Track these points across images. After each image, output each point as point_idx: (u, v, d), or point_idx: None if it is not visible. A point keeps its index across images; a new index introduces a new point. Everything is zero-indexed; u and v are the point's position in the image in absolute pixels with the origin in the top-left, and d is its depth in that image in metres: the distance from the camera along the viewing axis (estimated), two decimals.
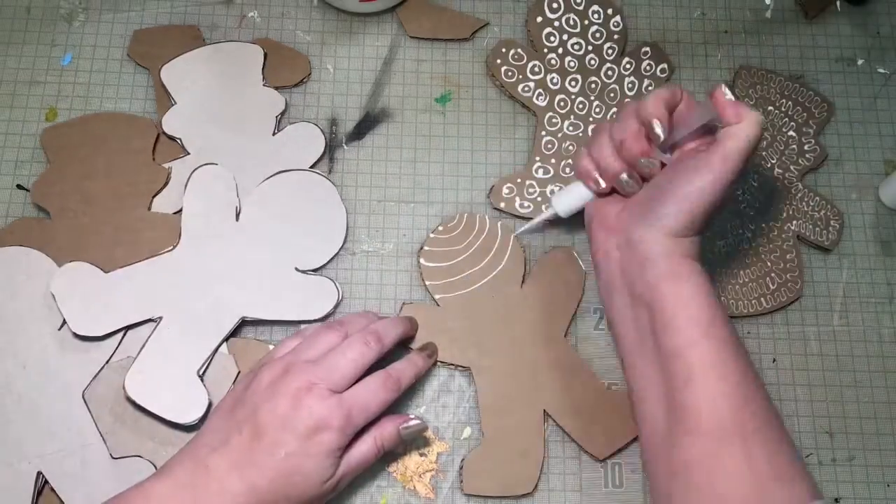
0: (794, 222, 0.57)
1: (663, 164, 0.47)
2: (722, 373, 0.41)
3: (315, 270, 0.55)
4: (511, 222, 0.57)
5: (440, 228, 0.56)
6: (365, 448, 0.47)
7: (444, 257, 0.55)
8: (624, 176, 0.47)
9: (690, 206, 0.44)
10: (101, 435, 0.50)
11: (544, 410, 0.52)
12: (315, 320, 0.54)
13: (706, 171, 0.43)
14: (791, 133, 0.59)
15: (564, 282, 0.55)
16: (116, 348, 0.52)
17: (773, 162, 0.59)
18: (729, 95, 0.44)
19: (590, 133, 0.59)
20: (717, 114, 0.44)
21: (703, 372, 0.41)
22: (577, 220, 0.52)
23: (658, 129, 0.44)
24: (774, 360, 0.55)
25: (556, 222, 0.54)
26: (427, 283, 0.55)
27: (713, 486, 0.39)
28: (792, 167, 0.58)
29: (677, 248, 0.44)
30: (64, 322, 0.52)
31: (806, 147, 0.59)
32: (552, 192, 0.57)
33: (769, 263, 0.56)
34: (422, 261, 0.55)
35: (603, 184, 0.48)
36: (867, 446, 0.53)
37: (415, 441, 0.51)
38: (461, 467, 0.51)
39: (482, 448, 0.51)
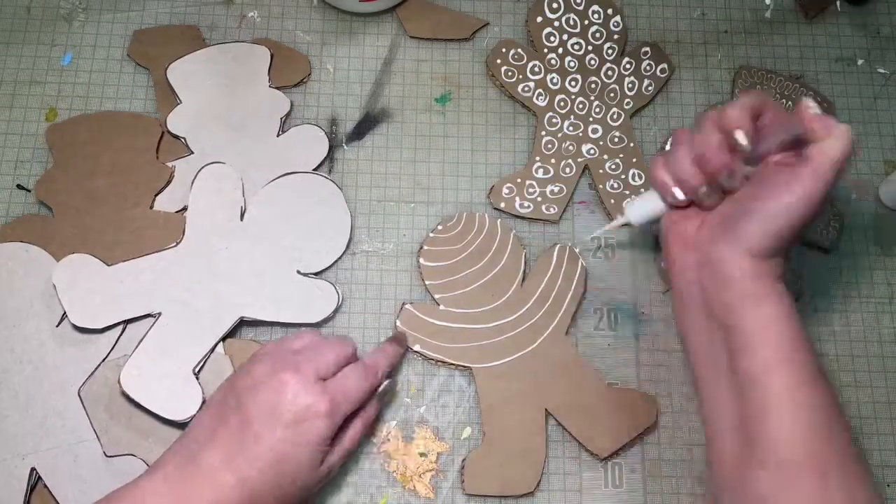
0: None
1: (746, 177, 0.43)
2: (802, 402, 0.39)
3: (316, 273, 0.55)
4: (511, 221, 0.57)
5: (439, 228, 0.56)
6: (352, 432, 0.47)
7: (443, 257, 0.55)
8: (704, 189, 0.44)
9: (777, 226, 0.41)
10: (96, 432, 0.50)
11: (545, 409, 0.52)
12: (314, 324, 0.54)
13: (796, 187, 0.40)
14: None
15: (565, 279, 0.55)
16: (113, 346, 0.52)
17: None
18: (815, 109, 0.41)
19: (588, 129, 0.59)
20: (804, 128, 0.41)
21: (781, 401, 0.39)
22: (648, 229, 0.50)
23: (743, 140, 0.41)
24: None
25: (629, 228, 0.51)
26: (427, 282, 0.55)
27: None
28: None
29: (760, 268, 0.41)
30: (62, 319, 0.52)
31: None
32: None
33: None
34: (421, 260, 0.55)
35: (681, 196, 0.45)
36: (867, 446, 0.53)
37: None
38: (462, 467, 0.51)
39: (483, 448, 0.51)
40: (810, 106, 0.41)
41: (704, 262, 0.43)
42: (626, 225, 0.50)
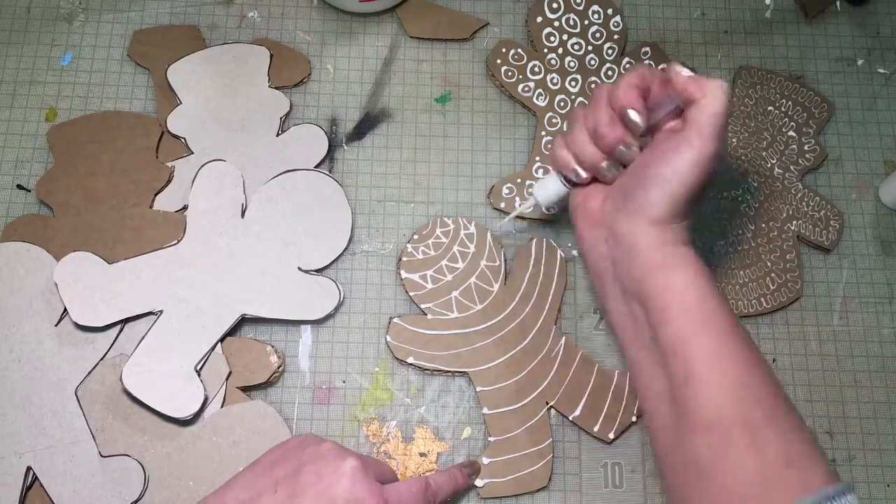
0: (794, 222, 0.57)
1: (642, 148, 0.45)
2: (723, 366, 0.39)
3: (317, 271, 0.55)
4: (485, 221, 0.57)
5: (415, 238, 0.56)
6: None
7: (423, 266, 0.55)
8: (603, 164, 0.45)
9: (672, 190, 0.42)
10: (92, 432, 0.50)
11: (546, 402, 0.52)
12: (315, 321, 0.54)
13: (684, 149, 0.41)
14: (791, 133, 0.59)
15: (546, 272, 0.55)
16: (111, 345, 0.52)
17: (773, 162, 0.59)
18: (685, 73, 0.42)
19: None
20: (679, 95, 0.43)
21: (702, 367, 0.39)
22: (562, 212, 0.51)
23: (635, 118, 0.43)
24: (774, 360, 0.55)
25: (541, 216, 0.52)
26: (411, 293, 0.54)
27: (723, 481, 0.38)
28: (792, 167, 0.59)
29: (665, 236, 0.42)
30: (61, 318, 0.52)
31: (806, 147, 0.59)
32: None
33: (769, 263, 0.56)
34: (402, 273, 0.55)
35: (583, 174, 0.47)
36: (867, 446, 0.53)
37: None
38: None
39: (491, 452, 0.51)
40: (680, 72, 0.42)
41: (610, 236, 0.44)
42: (533, 207, 0.51)
